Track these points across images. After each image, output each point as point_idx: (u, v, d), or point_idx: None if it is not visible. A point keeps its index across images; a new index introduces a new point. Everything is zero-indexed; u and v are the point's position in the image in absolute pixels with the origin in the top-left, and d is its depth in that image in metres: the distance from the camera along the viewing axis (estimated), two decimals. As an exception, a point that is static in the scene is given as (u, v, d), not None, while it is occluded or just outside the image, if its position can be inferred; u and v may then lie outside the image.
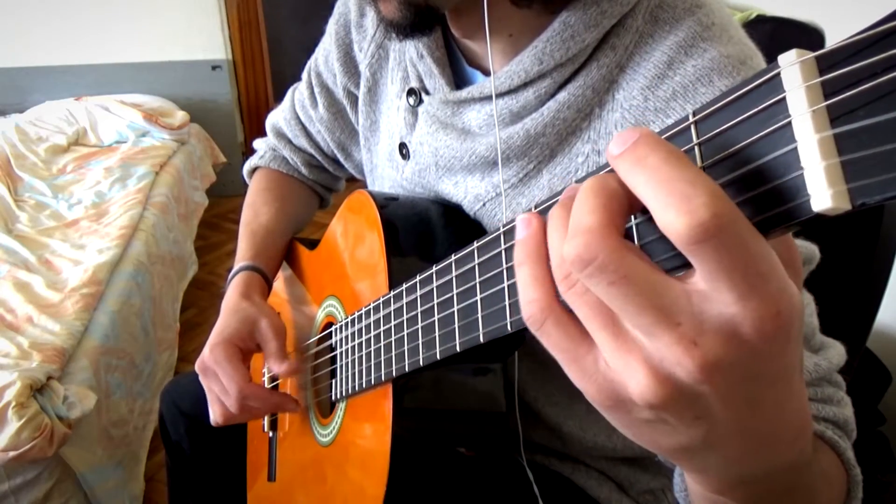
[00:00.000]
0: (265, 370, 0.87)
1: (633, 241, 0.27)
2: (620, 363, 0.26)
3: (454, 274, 0.42)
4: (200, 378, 0.73)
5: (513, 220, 0.35)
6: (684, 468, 0.32)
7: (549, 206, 0.33)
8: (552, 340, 0.28)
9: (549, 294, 0.28)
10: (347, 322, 0.64)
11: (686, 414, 0.26)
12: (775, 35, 1.19)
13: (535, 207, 0.33)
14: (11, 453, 1.15)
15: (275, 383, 0.85)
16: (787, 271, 0.24)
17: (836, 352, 0.54)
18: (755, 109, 0.23)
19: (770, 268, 0.23)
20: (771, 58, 0.55)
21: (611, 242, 0.24)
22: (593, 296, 0.26)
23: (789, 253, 0.27)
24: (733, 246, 0.22)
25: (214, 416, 0.73)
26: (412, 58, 0.68)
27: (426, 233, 0.64)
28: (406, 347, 0.51)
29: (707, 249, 0.22)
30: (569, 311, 0.28)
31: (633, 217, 0.27)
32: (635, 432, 0.29)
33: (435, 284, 0.45)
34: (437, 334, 0.45)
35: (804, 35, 1.14)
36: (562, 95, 0.56)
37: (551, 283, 0.28)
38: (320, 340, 0.73)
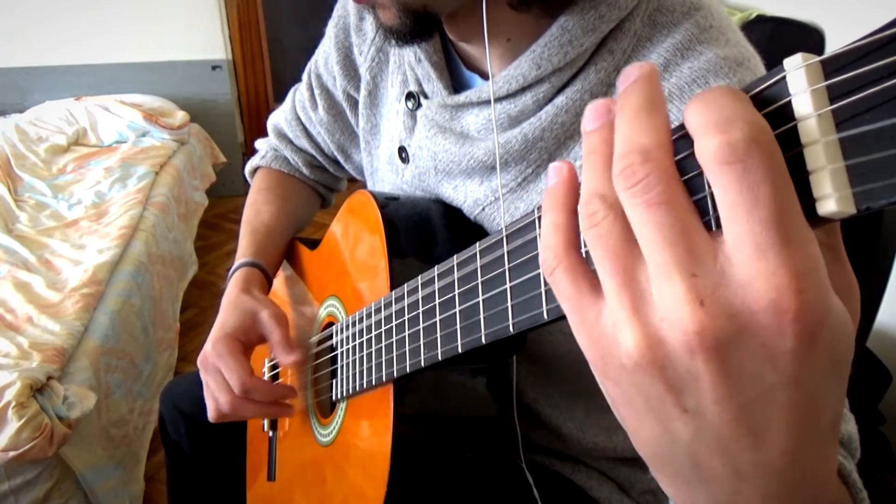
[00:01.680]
0: (265, 368, 0.87)
1: None
2: (619, 314, 0.24)
3: (456, 275, 0.42)
4: (201, 373, 0.73)
5: (516, 221, 0.35)
6: (669, 493, 0.28)
7: None
8: (560, 287, 0.27)
9: (568, 242, 0.27)
10: (348, 322, 0.64)
11: (671, 396, 0.23)
12: (775, 35, 1.19)
13: (538, 209, 0.33)
14: (11, 453, 1.15)
15: (276, 381, 0.85)
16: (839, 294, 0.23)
17: None
18: (761, 113, 0.23)
19: (799, 234, 0.21)
20: (771, 58, 0.55)
21: (667, 163, 0.23)
22: (614, 238, 0.24)
23: (841, 283, 0.25)
24: (758, 181, 0.21)
25: (210, 412, 0.73)
26: (410, 62, 0.68)
27: (427, 233, 0.64)
28: (407, 348, 0.51)
29: (730, 173, 0.21)
30: (585, 264, 0.27)
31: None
32: (620, 410, 0.27)
33: (437, 285, 0.45)
34: (438, 335, 0.45)
35: (804, 35, 1.13)
36: (560, 100, 0.56)
37: (572, 233, 0.27)
38: (321, 340, 0.73)
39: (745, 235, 0.21)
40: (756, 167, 0.21)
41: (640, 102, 0.25)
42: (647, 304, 0.23)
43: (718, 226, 0.23)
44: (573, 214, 0.28)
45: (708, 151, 0.22)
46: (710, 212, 0.23)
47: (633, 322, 0.24)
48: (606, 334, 0.25)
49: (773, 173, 0.21)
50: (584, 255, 0.27)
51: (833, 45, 0.21)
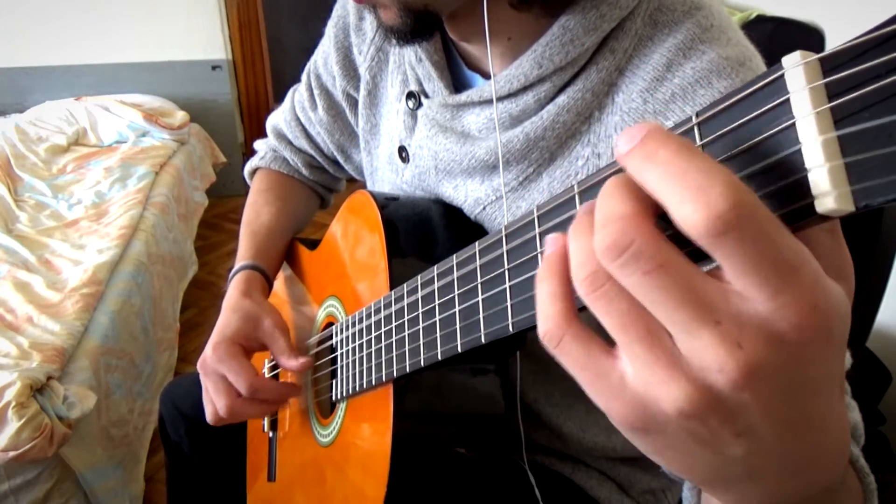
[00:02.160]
0: (265, 369, 0.87)
1: None
2: (653, 375, 0.24)
3: (456, 275, 0.42)
4: (201, 377, 0.73)
5: (515, 221, 0.35)
6: (719, 498, 0.29)
7: (552, 209, 0.33)
8: (572, 357, 0.26)
9: (569, 309, 0.27)
10: (348, 322, 0.64)
11: (725, 429, 0.24)
12: (775, 35, 1.19)
13: (537, 208, 0.33)
14: (11, 453, 1.15)
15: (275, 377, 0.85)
16: (833, 275, 0.23)
17: None
18: (759, 111, 0.23)
19: (799, 258, 0.22)
20: (771, 57, 0.55)
21: (648, 228, 0.23)
22: (624, 301, 0.24)
23: (840, 260, 0.26)
24: (757, 236, 0.21)
25: (208, 415, 0.73)
26: (411, 61, 0.67)
27: (427, 233, 0.64)
28: (407, 348, 0.51)
29: (729, 242, 0.21)
30: (589, 326, 0.26)
31: None
32: (669, 457, 0.27)
33: (437, 285, 0.45)
34: (438, 335, 0.45)
35: (804, 35, 1.13)
36: (561, 99, 0.56)
37: (571, 300, 0.27)
38: (321, 340, 0.73)
39: (758, 286, 0.22)
40: (750, 227, 0.21)
41: (612, 180, 0.25)
42: (681, 358, 0.24)
43: (706, 258, 0.23)
44: (569, 282, 0.27)
45: (696, 228, 0.21)
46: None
47: (675, 378, 0.23)
48: (641, 393, 0.25)
49: (765, 223, 0.21)
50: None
51: (833, 45, 0.21)
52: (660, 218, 0.24)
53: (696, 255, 0.23)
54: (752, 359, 0.22)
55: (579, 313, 0.27)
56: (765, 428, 0.24)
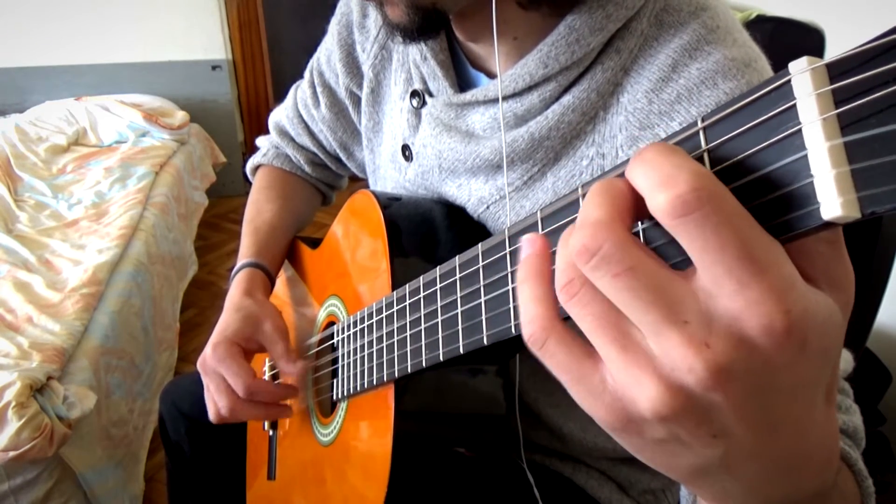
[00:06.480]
0: (265, 368, 0.87)
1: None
2: (628, 377, 0.25)
3: (458, 276, 0.42)
4: (202, 376, 0.73)
5: (518, 223, 0.35)
6: (701, 496, 0.30)
7: (555, 212, 0.33)
8: (556, 360, 0.27)
9: (552, 311, 0.27)
10: (350, 322, 0.64)
11: (701, 430, 0.24)
12: (775, 35, 1.19)
13: (541, 210, 0.33)
14: (11, 453, 1.15)
15: (276, 381, 0.85)
16: (827, 286, 0.24)
17: (842, 358, 0.54)
18: (765, 116, 0.23)
19: (770, 256, 0.22)
20: (771, 57, 0.55)
21: (616, 233, 0.24)
22: (598, 305, 0.25)
23: (838, 272, 0.26)
24: (719, 223, 0.22)
25: (210, 414, 0.73)
26: (415, 60, 0.67)
27: (429, 234, 0.64)
28: (409, 348, 0.51)
29: (689, 225, 0.22)
30: (572, 330, 0.27)
31: (639, 223, 0.27)
32: (649, 455, 0.28)
33: (439, 286, 0.45)
34: (440, 335, 0.45)
35: (804, 35, 1.13)
36: (566, 99, 0.56)
37: (554, 302, 0.27)
38: (322, 340, 0.73)
39: (722, 276, 0.22)
40: (711, 212, 0.22)
41: (595, 185, 0.26)
42: (654, 359, 0.24)
43: (690, 264, 0.24)
44: (551, 284, 0.28)
45: (661, 209, 0.23)
46: (679, 255, 0.24)
47: (647, 380, 0.24)
48: (620, 397, 0.25)
49: (729, 212, 0.22)
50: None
51: (833, 45, 0.21)
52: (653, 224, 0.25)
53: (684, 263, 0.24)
54: (721, 359, 0.23)
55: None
56: (740, 430, 0.24)
